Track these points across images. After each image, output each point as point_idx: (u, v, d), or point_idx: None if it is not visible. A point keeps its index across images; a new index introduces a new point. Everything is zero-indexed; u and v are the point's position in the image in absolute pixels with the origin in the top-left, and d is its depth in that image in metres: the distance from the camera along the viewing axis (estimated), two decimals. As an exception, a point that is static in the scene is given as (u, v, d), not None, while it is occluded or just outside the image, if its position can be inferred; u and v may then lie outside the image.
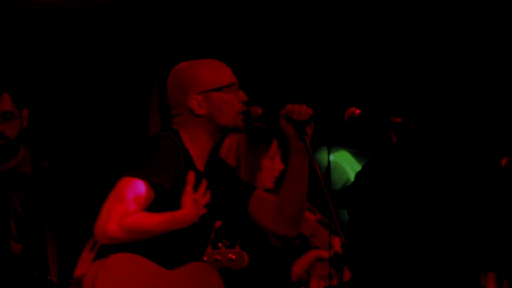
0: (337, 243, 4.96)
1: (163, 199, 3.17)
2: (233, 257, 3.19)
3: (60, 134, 6.03)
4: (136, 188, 3.11)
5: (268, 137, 4.23)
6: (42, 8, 6.02)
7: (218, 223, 3.55)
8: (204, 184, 3.23)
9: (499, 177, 3.85)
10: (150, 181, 3.12)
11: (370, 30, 5.81)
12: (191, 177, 3.20)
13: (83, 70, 6.08)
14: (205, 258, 3.22)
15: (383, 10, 5.78)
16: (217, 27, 5.96)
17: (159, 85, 6.04)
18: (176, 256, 3.23)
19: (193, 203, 3.17)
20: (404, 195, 3.60)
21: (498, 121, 4.27)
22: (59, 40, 6.05)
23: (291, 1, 5.93)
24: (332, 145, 6.41)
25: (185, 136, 3.30)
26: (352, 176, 6.38)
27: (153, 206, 3.15)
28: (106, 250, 3.16)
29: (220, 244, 3.21)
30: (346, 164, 6.37)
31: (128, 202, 3.09)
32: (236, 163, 4.18)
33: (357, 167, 6.40)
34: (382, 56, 5.78)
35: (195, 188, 3.23)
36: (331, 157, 6.42)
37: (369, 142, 5.61)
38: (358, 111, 3.27)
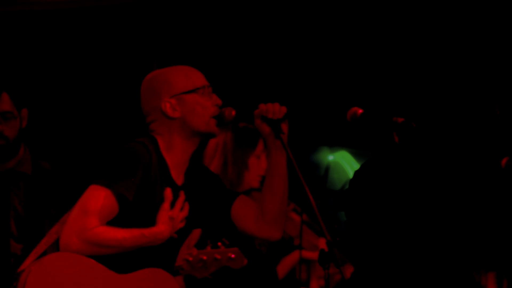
0: (322, 243, 4.97)
1: (127, 210, 3.13)
2: (233, 256, 3.18)
3: (60, 134, 6.03)
4: (100, 199, 3.08)
5: (254, 136, 4.23)
6: (42, 8, 6.02)
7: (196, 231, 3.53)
8: (181, 198, 3.19)
9: (499, 177, 3.86)
10: (115, 191, 3.09)
11: (372, 30, 5.82)
12: (168, 193, 3.15)
13: (83, 70, 6.08)
14: (204, 257, 3.20)
15: (385, 10, 5.78)
16: (217, 27, 5.96)
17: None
18: (134, 262, 3.17)
19: (168, 221, 3.13)
20: (404, 195, 3.60)
21: (498, 121, 4.27)
22: (59, 40, 6.05)
23: (292, 1, 5.94)
24: (332, 145, 6.44)
25: (162, 143, 3.28)
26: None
27: (118, 217, 3.11)
28: (55, 246, 3.12)
29: (219, 244, 3.19)
30: (346, 164, 6.37)
31: (90, 215, 3.05)
32: (223, 161, 4.18)
33: (357, 167, 6.39)
34: (385, 56, 5.78)
35: (171, 202, 3.19)
36: (331, 157, 6.42)
37: (370, 142, 5.62)
38: (360, 111, 3.27)
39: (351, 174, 6.39)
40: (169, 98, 3.28)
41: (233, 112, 3.32)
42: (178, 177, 3.30)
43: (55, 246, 3.18)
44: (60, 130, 6.03)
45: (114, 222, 3.11)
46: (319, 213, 3.04)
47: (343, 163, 6.38)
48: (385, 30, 5.79)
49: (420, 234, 3.65)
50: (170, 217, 3.13)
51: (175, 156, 3.29)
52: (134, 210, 3.14)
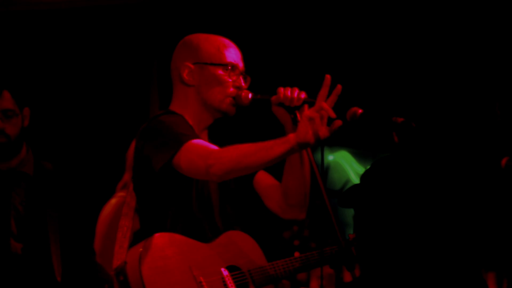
0: None
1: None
2: None
3: (61, 134, 6.03)
4: (199, 142, 3.03)
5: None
6: (42, 8, 6.02)
7: None
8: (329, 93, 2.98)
9: (499, 177, 3.86)
10: (196, 137, 3.06)
11: (372, 30, 5.82)
12: (327, 81, 2.97)
13: (84, 70, 6.08)
14: None
15: (385, 10, 5.78)
16: (217, 27, 5.95)
17: (159, 85, 6.05)
18: (209, 228, 3.20)
19: (307, 123, 2.92)
20: (406, 195, 3.60)
21: (498, 121, 4.28)
22: (60, 40, 6.05)
23: (292, 1, 5.94)
24: (332, 145, 6.44)
25: (180, 112, 3.24)
26: (352, 176, 6.39)
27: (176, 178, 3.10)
28: (140, 235, 3.11)
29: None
30: (346, 164, 6.38)
31: (207, 146, 3.02)
32: None
33: (357, 167, 6.40)
34: (384, 57, 5.78)
35: None
36: (331, 157, 6.43)
37: (370, 142, 5.63)
38: (360, 111, 3.26)
39: (351, 174, 6.40)
40: (191, 64, 3.24)
41: (250, 95, 3.25)
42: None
43: (133, 238, 3.20)
44: (61, 129, 6.04)
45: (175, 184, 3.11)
46: (332, 212, 3.02)
47: (343, 163, 6.38)
48: (385, 30, 5.79)
49: (421, 235, 3.65)
50: (309, 117, 2.92)
51: (195, 125, 3.25)
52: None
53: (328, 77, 2.98)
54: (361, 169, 6.26)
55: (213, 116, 3.29)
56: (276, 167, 3.34)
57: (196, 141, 3.05)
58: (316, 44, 5.93)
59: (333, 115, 2.90)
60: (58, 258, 3.92)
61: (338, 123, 2.94)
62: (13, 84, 4.14)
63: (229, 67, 3.25)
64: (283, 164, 3.32)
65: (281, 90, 3.21)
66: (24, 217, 3.99)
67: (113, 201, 4.34)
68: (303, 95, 3.20)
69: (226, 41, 3.32)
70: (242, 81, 3.27)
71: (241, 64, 3.30)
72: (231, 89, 3.24)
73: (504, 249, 4.01)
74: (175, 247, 3.09)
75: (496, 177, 3.88)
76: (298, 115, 3.19)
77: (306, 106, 3.22)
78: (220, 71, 3.23)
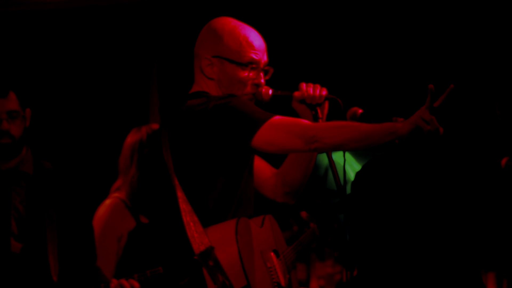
0: None
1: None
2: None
3: (60, 133, 6.03)
4: (281, 118, 3.00)
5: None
6: (42, 8, 6.02)
7: None
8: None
9: (499, 177, 3.86)
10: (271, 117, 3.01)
11: (371, 30, 5.82)
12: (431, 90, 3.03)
13: (84, 70, 6.08)
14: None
15: (385, 10, 5.78)
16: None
17: (159, 85, 6.05)
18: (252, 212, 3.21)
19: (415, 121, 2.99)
20: (405, 195, 3.61)
21: (498, 121, 4.28)
22: (60, 40, 6.05)
23: (292, 2, 5.94)
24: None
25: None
26: (352, 176, 6.39)
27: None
28: (207, 219, 3.06)
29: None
30: (346, 164, 6.36)
31: (294, 120, 2.99)
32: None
33: (357, 167, 6.40)
34: (384, 56, 5.78)
35: None
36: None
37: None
38: (360, 111, 3.27)
39: (351, 174, 6.40)
40: (212, 57, 3.21)
41: (270, 92, 3.24)
42: None
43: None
44: (60, 129, 6.04)
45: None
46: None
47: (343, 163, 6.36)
48: (385, 30, 5.79)
49: (420, 234, 3.65)
50: (426, 119, 3.02)
51: None
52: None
53: (431, 87, 3.10)
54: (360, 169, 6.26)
55: None
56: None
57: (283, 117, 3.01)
58: (316, 44, 5.93)
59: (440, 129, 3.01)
60: (55, 257, 3.93)
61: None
62: (13, 84, 4.14)
63: (248, 66, 3.22)
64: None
65: (303, 86, 3.22)
66: (24, 217, 4.00)
67: (107, 201, 4.35)
68: (324, 92, 3.22)
69: (252, 33, 3.27)
70: (262, 77, 3.25)
71: (264, 59, 3.27)
72: (250, 88, 3.23)
73: (504, 249, 4.00)
74: (251, 231, 3.08)
75: (496, 177, 3.88)
76: (319, 111, 3.20)
77: (327, 102, 3.24)
78: (239, 70, 3.21)
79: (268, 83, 3.32)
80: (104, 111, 6.08)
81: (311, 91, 3.20)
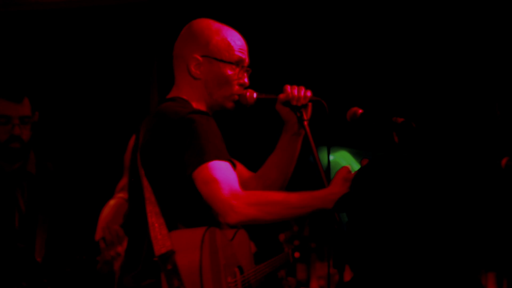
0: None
1: None
2: None
3: (60, 133, 6.03)
4: (220, 168, 2.95)
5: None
6: (42, 8, 6.02)
7: None
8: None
9: (499, 177, 3.86)
10: (227, 159, 3.00)
11: (372, 30, 5.82)
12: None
13: (84, 70, 6.08)
14: None
15: (385, 10, 5.78)
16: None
17: (159, 85, 6.04)
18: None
19: (344, 183, 3.05)
20: (405, 195, 3.60)
21: (498, 121, 4.28)
22: (60, 40, 6.05)
23: (292, 2, 5.93)
24: (332, 145, 6.43)
25: (193, 103, 3.19)
26: (352, 176, 6.37)
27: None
28: (176, 222, 3.04)
29: None
30: (346, 164, 6.36)
31: (232, 181, 2.94)
32: None
33: (357, 167, 6.39)
34: (384, 56, 5.78)
35: None
36: (331, 157, 6.42)
37: (370, 142, 5.62)
38: (360, 111, 3.27)
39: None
40: (199, 56, 3.19)
41: (255, 95, 3.24)
42: None
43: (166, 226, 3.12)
44: (60, 129, 6.04)
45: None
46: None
47: (343, 163, 6.37)
48: (385, 30, 5.79)
49: (419, 234, 3.65)
50: (346, 178, 3.06)
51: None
52: None
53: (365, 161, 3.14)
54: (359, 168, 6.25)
55: (214, 109, 3.26)
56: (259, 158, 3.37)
57: (231, 167, 2.99)
58: (316, 44, 5.93)
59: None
60: (42, 241, 3.95)
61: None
62: (13, 85, 4.15)
63: (238, 66, 3.23)
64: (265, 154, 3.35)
65: (288, 88, 3.22)
66: (28, 218, 4.02)
67: (112, 202, 4.36)
68: (309, 93, 3.22)
69: (236, 34, 3.28)
70: (246, 77, 3.26)
71: (247, 58, 3.28)
72: (236, 87, 3.23)
73: (504, 249, 4.00)
74: (217, 242, 3.04)
75: (496, 177, 3.87)
76: (304, 113, 3.20)
77: (310, 104, 3.23)
78: (228, 69, 3.21)
79: (259, 86, 3.33)
80: (104, 110, 6.08)
81: (295, 92, 3.19)
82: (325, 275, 5.24)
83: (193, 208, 3.08)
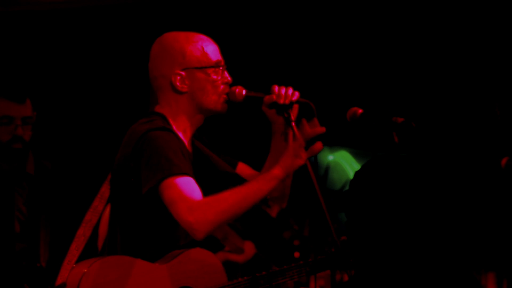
0: (248, 247, 4.97)
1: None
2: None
3: (59, 133, 6.03)
4: (181, 183, 2.98)
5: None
6: (42, 8, 6.02)
7: None
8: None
9: (499, 177, 3.86)
10: (186, 172, 3.01)
11: (372, 30, 5.82)
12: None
13: (84, 70, 6.08)
14: None
15: (385, 10, 5.78)
16: (217, 27, 5.96)
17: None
18: (171, 247, 3.15)
19: (294, 156, 3.08)
20: (404, 195, 3.60)
21: (498, 121, 4.28)
22: (59, 40, 6.05)
23: (292, 2, 5.94)
24: (332, 145, 6.44)
25: (169, 116, 3.20)
26: (352, 176, 6.38)
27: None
28: (131, 239, 3.07)
29: None
30: (346, 164, 6.37)
31: (192, 193, 2.97)
32: None
33: (357, 167, 6.40)
34: (384, 56, 5.78)
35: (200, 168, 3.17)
36: (331, 157, 6.42)
37: (370, 142, 5.62)
38: (360, 111, 3.27)
39: (351, 174, 6.39)
40: (180, 71, 3.19)
41: (244, 92, 3.23)
42: (189, 147, 3.25)
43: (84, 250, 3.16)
44: (60, 129, 6.03)
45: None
46: (327, 211, 3.04)
47: (343, 163, 6.38)
48: (385, 30, 5.79)
49: (420, 235, 3.65)
50: (297, 151, 3.09)
51: (182, 129, 3.22)
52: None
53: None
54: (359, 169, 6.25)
55: (205, 116, 3.27)
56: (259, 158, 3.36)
57: (186, 179, 3.00)
58: (317, 44, 5.93)
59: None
60: (46, 245, 3.95)
61: (318, 147, 3.15)
62: (16, 86, 4.16)
63: (217, 67, 3.23)
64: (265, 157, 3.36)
65: (275, 88, 3.21)
66: (27, 218, 4.01)
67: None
68: (295, 96, 3.21)
69: (204, 37, 3.28)
70: (227, 75, 3.26)
71: (222, 59, 3.28)
72: (222, 87, 3.23)
73: (504, 249, 4.00)
74: (122, 270, 3.00)
75: (496, 177, 3.88)
76: (291, 114, 3.19)
77: (297, 106, 3.22)
78: (210, 73, 3.21)
79: (259, 86, 3.33)
80: (103, 110, 6.08)
81: (283, 92, 3.19)
82: (325, 275, 5.23)
83: (147, 226, 3.12)
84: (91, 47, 6.06)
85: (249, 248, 4.83)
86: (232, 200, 2.98)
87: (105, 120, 6.08)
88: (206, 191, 3.15)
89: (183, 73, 3.19)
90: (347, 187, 4.03)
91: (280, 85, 3.23)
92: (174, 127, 3.20)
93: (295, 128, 3.15)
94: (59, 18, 6.04)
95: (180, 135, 3.20)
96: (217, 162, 3.37)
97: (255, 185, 3.03)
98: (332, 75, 5.83)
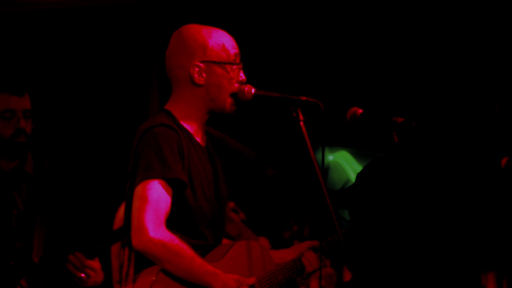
0: (263, 242, 4.97)
1: (182, 191, 3.09)
2: None
3: (59, 133, 6.04)
4: (158, 190, 3.01)
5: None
6: (42, 8, 6.02)
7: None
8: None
9: (499, 177, 3.86)
10: (166, 176, 3.03)
11: (372, 30, 5.82)
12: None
13: (84, 70, 6.09)
14: None
15: (385, 10, 5.79)
16: (218, 27, 5.96)
17: (159, 85, 6.05)
18: (213, 243, 3.19)
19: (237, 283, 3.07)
20: (405, 195, 3.61)
21: (498, 121, 4.28)
22: (59, 40, 6.05)
23: (292, 2, 5.94)
24: (332, 145, 6.44)
25: (179, 111, 3.20)
26: (352, 176, 6.39)
27: (176, 201, 3.07)
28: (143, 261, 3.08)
29: None
30: (346, 164, 6.38)
31: (156, 206, 3.00)
32: None
33: (357, 167, 6.41)
34: (384, 56, 5.79)
35: (202, 161, 3.17)
36: (331, 157, 6.43)
37: (370, 142, 5.62)
38: (360, 111, 3.27)
39: (351, 174, 6.40)
40: (199, 62, 3.18)
41: (253, 91, 3.22)
42: (201, 140, 3.25)
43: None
44: (60, 129, 6.04)
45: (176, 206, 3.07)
46: (332, 208, 3.03)
47: (343, 163, 6.39)
48: (385, 30, 5.79)
49: (421, 234, 3.65)
50: (239, 281, 3.08)
51: (194, 121, 3.22)
52: (187, 188, 3.11)
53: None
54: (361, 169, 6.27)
55: (212, 112, 3.27)
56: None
57: (158, 185, 3.02)
58: (317, 44, 5.94)
59: None
60: (40, 241, 3.95)
61: None
62: (14, 78, 4.16)
63: (235, 65, 3.23)
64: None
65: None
66: (26, 218, 4.02)
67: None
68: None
69: (226, 33, 3.28)
70: (243, 73, 3.26)
71: (239, 56, 3.28)
72: (236, 85, 3.23)
73: (504, 249, 4.00)
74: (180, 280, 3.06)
75: (496, 177, 3.87)
76: (300, 113, 3.17)
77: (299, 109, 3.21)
78: (227, 70, 3.21)
79: (260, 85, 3.32)
80: (103, 110, 6.09)
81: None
82: (326, 275, 5.23)
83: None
84: (90, 47, 6.06)
85: (264, 245, 4.84)
86: (178, 262, 3.00)
87: (105, 120, 6.09)
88: (228, 176, 3.24)
89: (202, 65, 3.18)
90: (348, 188, 4.03)
91: (284, 85, 3.24)
92: (182, 122, 3.19)
93: (303, 128, 3.14)
94: (59, 18, 6.05)
95: (189, 128, 3.20)
96: (232, 145, 3.38)
97: (199, 271, 3.03)
98: (332, 75, 5.84)
